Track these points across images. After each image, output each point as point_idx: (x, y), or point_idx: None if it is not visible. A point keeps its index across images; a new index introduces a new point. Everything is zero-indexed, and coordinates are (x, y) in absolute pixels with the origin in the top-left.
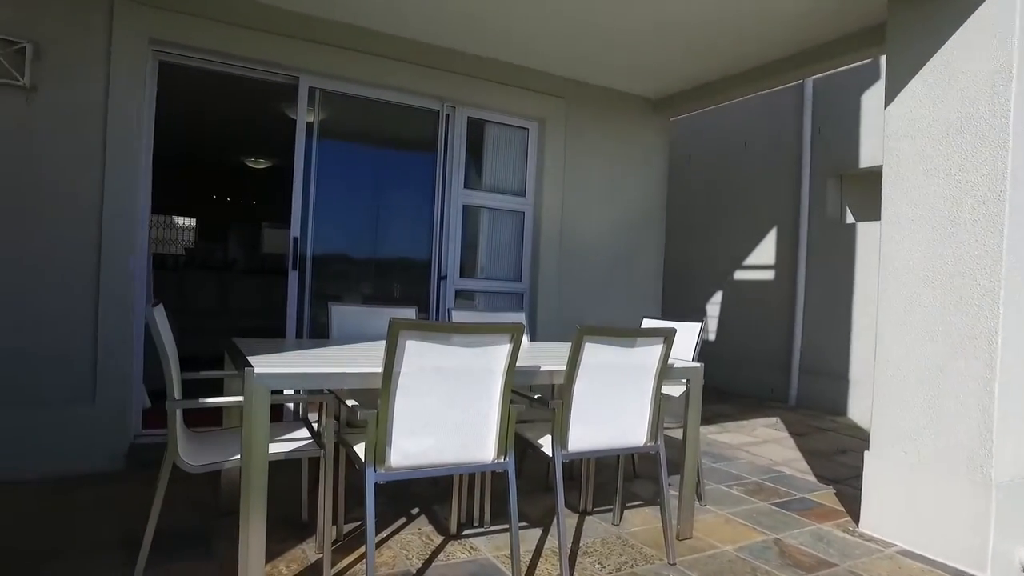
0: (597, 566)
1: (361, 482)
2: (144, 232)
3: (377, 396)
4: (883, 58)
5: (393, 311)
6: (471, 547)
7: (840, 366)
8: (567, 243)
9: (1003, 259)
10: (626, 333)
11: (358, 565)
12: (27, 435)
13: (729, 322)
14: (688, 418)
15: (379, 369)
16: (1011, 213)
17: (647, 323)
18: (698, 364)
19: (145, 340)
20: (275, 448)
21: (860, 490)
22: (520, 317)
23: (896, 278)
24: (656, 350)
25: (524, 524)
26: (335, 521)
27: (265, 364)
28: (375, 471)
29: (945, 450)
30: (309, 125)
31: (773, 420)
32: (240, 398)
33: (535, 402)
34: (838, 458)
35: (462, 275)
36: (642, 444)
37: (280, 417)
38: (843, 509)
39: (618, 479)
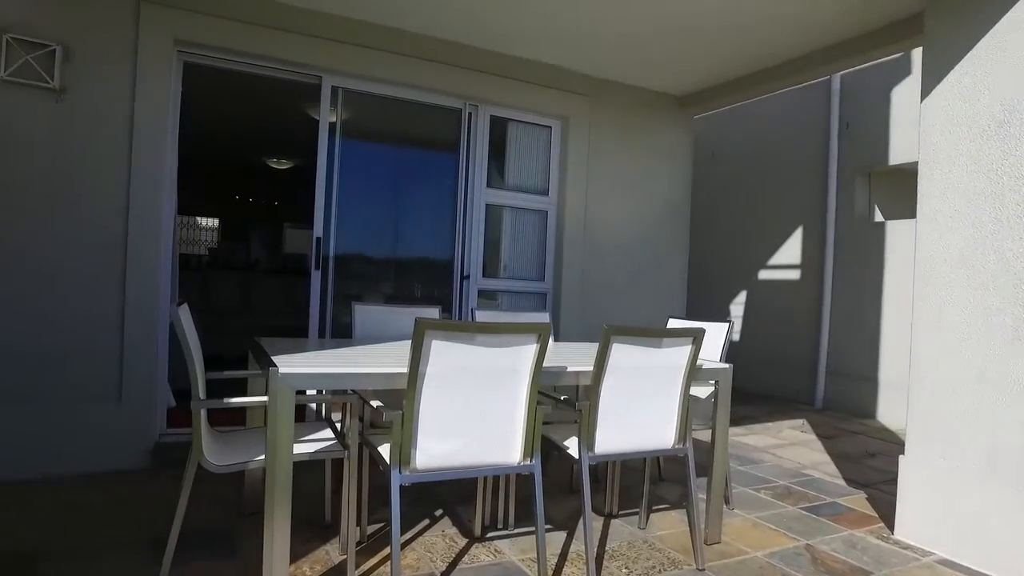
0: (624, 570)
1: (385, 483)
2: (169, 232)
3: (401, 397)
4: (915, 52)
5: (416, 311)
6: (495, 550)
7: (868, 368)
8: (590, 242)
9: None
10: (655, 333)
11: (382, 567)
12: (55, 433)
13: (753, 323)
14: (717, 420)
15: (404, 369)
16: None
17: (673, 323)
18: (727, 365)
19: (170, 339)
20: (299, 449)
21: (893, 495)
22: (544, 317)
23: (933, 278)
24: (685, 351)
25: (549, 527)
26: (359, 522)
27: (290, 364)
28: (400, 473)
29: (989, 457)
30: (332, 125)
31: (799, 422)
32: (264, 398)
33: (561, 403)
34: (868, 462)
35: (485, 275)
36: (670, 446)
37: (303, 417)
38: (876, 515)
39: (644, 482)
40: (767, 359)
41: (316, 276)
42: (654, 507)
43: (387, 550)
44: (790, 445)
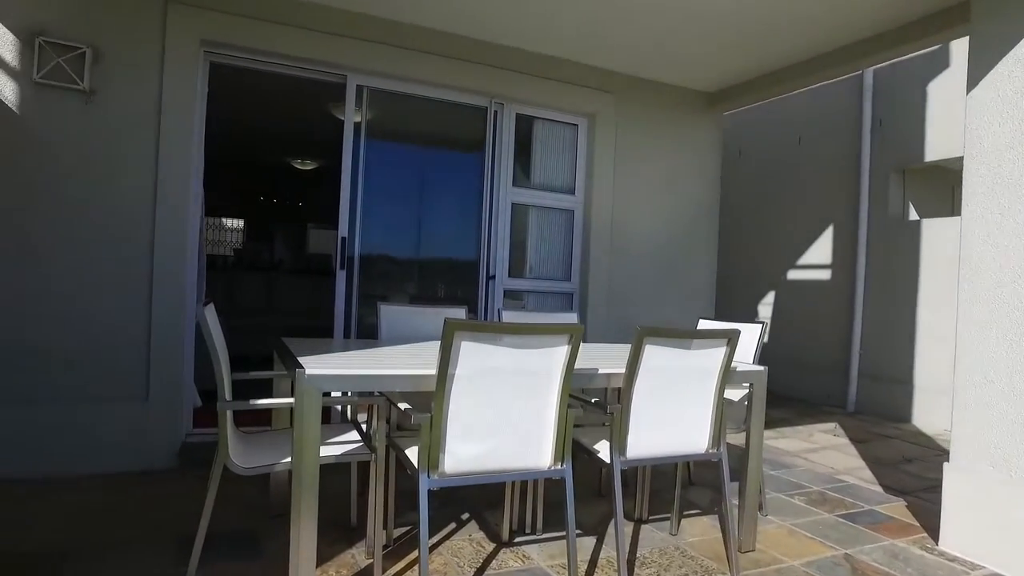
0: None
1: (411, 486)
2: (196, 232)
3: (429, 399)
4: (955, 44)
5: (443, 311)
6: (524, 555)
7: (903, 371)
8: (618, 242)
9: None
10: (688, 334)
11: (409, 572)
12: (82, 432)
13: (782, 324)
14: (752, 424)
15: (433, 371)
16: None
17: (703, 324)
18: (762, 367)
19: (196, 339)
20: (326, 451)
21: (935, 503)
22: (572, 317)
23: (980, 277)
24: (719, 352)
25: (578, 532)
26: (385, 526)
27: (316, 365)
28: (428, 477)
29: None
30: (357, 125)
31: (831, 426)
32: (290, 400)
33: (591, 406)
34: (905, 467)
35: (510, 275)
36: (704, 451)
37: (328, 418)
38: (918, 524)
39: (675, 486)
40: (796, 361)
41: (341, 276)
42: (685, 512)
43: (413, 554)
44: (822, 449)
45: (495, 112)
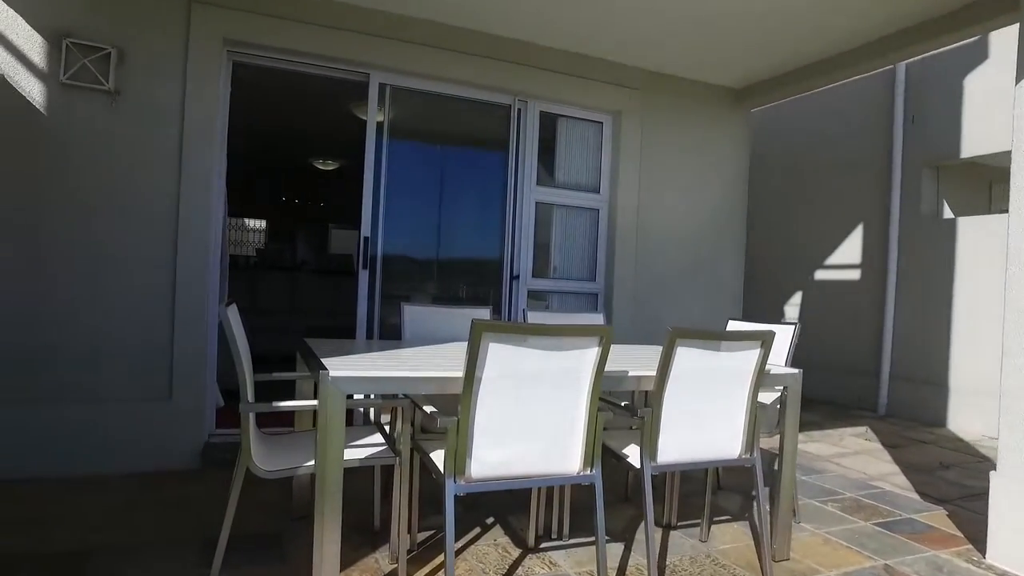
0: None
1: (435, 489)
2: (219, 232)
3: (454, 401)
4: (992, 36)
5: (467, 312)
6: (550, 562)
7: (938, 373)
8: (643, 241)
9: None
10: (722, 336)
11: None
12: (105, 432)
13: (810, 324)
14: (786, 428)
15: (459, 373)
16: None
17: (732, 325)
18: (796, 370)
19: (218, 339)
20: (349, 454)
21: (979, 513)
22: (598, 318)
23: None
24: (753, 355)
25: (606, 538)
26: (409, 530)
27: (340, 367)
28: (455, 482)
29: None
30: (379, 124)
31: (862, 430)
32: (314, 402)
33: (621, 409)
34: (942, 474)
35: (534, 275)
36: (737, 456)
37: (351, 420)
38: (961, 535)
39: (705, 492)
40: (825, 362)
41: (363, 276)
42: (715, 518)
43: (438, 559)
44: (854, 454)
45: (519, 110)
